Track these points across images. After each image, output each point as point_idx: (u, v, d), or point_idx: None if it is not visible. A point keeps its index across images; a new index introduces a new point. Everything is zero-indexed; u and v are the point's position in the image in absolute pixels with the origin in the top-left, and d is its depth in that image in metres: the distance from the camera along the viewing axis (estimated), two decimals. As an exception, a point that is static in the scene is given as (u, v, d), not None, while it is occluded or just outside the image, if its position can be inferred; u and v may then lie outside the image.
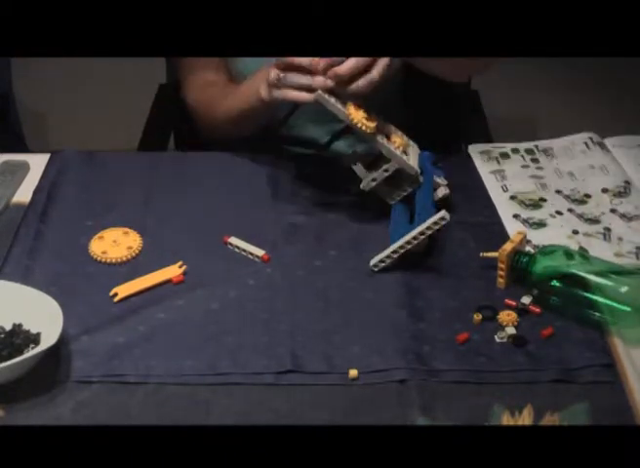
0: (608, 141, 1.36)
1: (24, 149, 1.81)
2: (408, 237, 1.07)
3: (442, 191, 1.17)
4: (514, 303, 1.04)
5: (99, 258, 1.12)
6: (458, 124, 1.55)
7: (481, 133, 1.52)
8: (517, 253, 1.06)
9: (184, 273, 1.09)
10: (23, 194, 1.24)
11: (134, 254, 1.12)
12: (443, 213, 1.06)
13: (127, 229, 1.16)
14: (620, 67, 2.69)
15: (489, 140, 1.44)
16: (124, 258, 1.12)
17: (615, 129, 1.40)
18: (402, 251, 1.08)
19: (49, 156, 1.33)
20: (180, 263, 1.10)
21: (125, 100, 2.45)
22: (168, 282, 1.08)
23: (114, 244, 1.13)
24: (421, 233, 1.06)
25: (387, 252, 1.08)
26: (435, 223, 1.06)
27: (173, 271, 1.10)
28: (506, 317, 1.03)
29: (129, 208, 1.21)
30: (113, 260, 1.11)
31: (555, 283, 1.03)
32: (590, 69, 2.74)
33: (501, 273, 1.06)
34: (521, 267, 1.05)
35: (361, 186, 1.14)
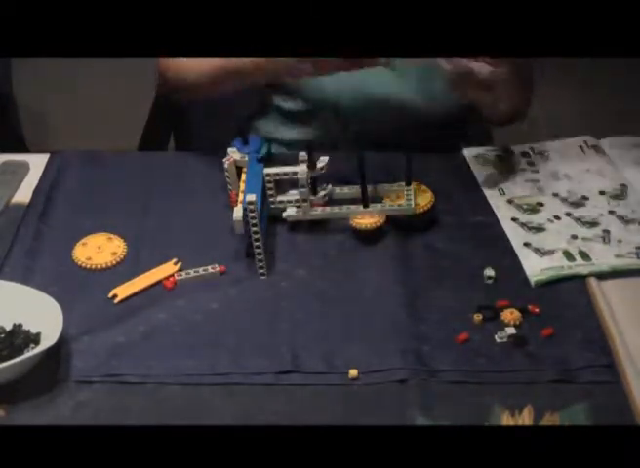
0: (604, 142, 1.35)
1: (24, 149, 1.81)
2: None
3: (321, 162, 1.15)
4: (506, 303, 1.05)
5: (84, 265, 1.11)
6: (455, 126, 1.55)
7: (478, 136, 1.51)
8: None
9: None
10: (23, 194, 1.24)
11: (118, 260, 1.12)
12: (248, 197, 1.05)
13: (110, 235, 1.15)
14: (619, 67, 2.68)
15: (488, 141, 1.44)
16: (109, 264, 1.11)
17: (611, 129, 1.39)
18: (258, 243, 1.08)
19: (48, 156, 1.33)
20: (174, 260, 1.11)
21: (125, 101, 2.45)
22: (167, 279, 1.08)
23: (99, 250, 1.13)
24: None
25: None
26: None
27: (168, 268, 1.10)
28: (510, 315, 1.03)
29: (129, 208, 1.21)
30: (99, 266, 1.11)
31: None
32: (589, 70, 2.74)
33: None
34: None
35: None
